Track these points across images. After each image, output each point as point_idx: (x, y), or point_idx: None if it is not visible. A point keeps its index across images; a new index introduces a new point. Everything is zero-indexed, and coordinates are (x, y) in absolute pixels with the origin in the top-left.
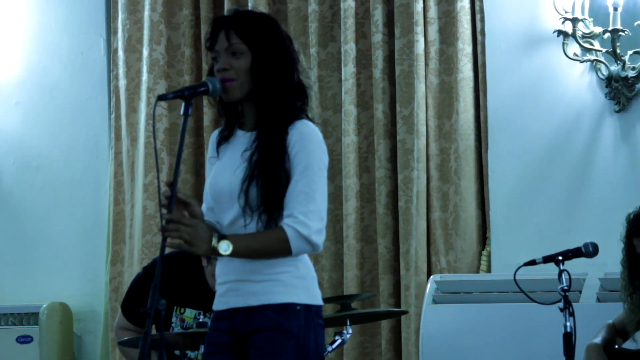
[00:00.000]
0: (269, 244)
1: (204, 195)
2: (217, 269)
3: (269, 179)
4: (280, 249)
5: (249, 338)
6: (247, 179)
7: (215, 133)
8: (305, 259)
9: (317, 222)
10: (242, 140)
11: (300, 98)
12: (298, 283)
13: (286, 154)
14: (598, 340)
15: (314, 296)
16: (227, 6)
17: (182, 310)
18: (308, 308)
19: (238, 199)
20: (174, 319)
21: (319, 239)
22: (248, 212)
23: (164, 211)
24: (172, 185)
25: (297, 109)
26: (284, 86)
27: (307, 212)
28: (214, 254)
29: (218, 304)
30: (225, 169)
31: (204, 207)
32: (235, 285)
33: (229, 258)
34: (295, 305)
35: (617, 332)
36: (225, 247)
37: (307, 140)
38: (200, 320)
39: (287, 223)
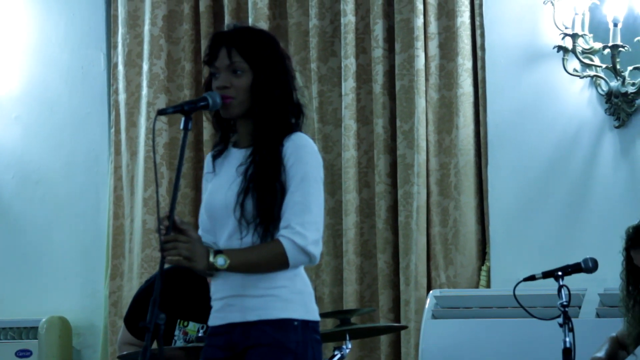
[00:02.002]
0: (265, 257)
1: (199, 218)
2: (213, 286)
3: (264, 191)
4: (277, 261)
5: (245, 354)
6: (242, 192)
7: (211, 152)
8: (303, 274)
9: (314, 232)
10: (237, 156)
11: (297, 117)
12: (295, 298)
13: (282, 165)
14: (601, 354)
15: (311, 311)
16: (227, 21)
17: (185, 323)
18: (305, 324)
19: (234, 212)
20: (177, 332)
21: (316, 249)
22: (244, 224)
23: (163, 231)
24: (169, 215)
25: (293, 125)
26: (282, 105)
27: (303, 222)
28: (212, 269)
29: (214, 319)
30: (221, 185)
31: (200, 230)
32: (233, 301)
33: (226, 274)
34: (292, 320)
35: (620, 345)
36: (221, 262)
37: (302, 152)
38: (201, 334)
39: (283, 234)
